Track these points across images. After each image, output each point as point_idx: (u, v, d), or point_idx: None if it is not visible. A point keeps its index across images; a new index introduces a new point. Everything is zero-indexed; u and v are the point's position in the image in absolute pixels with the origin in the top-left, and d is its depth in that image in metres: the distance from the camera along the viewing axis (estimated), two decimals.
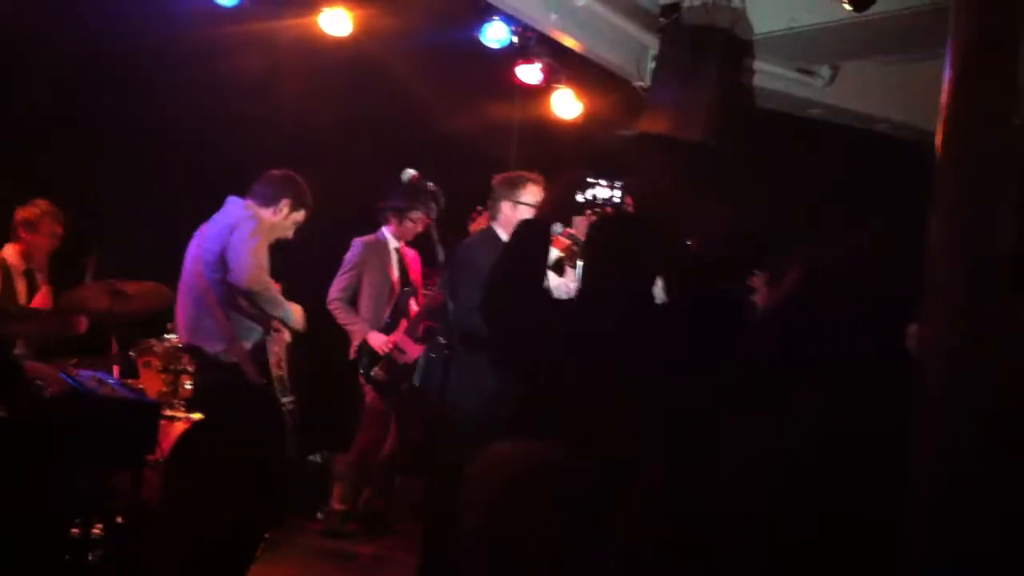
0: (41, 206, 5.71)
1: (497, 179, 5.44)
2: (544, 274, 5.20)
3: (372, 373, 6.39)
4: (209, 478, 4.73)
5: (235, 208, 4.88)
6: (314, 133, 5.23)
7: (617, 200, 6.24)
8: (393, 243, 6.78)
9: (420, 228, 6.71)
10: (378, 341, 6.40)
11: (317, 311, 6.19)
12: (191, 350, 4.99)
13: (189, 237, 5.01)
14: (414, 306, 6.65)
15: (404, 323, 6.48)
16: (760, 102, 6.06)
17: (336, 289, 6.57)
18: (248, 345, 4.75)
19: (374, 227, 6.82)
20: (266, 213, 4.92)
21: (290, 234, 5.07)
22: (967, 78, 2.84)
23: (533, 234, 4.35)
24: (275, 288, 4.75)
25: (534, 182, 5.41)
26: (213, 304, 4.69)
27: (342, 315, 6.55)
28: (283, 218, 4.98)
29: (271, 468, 4.73)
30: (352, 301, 6.62)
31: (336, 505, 7.10)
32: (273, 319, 4.80)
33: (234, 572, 4.71)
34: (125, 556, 4.75)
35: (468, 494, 2.20)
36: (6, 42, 5.89)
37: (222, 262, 4.67)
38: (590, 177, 6.15)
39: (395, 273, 6.74)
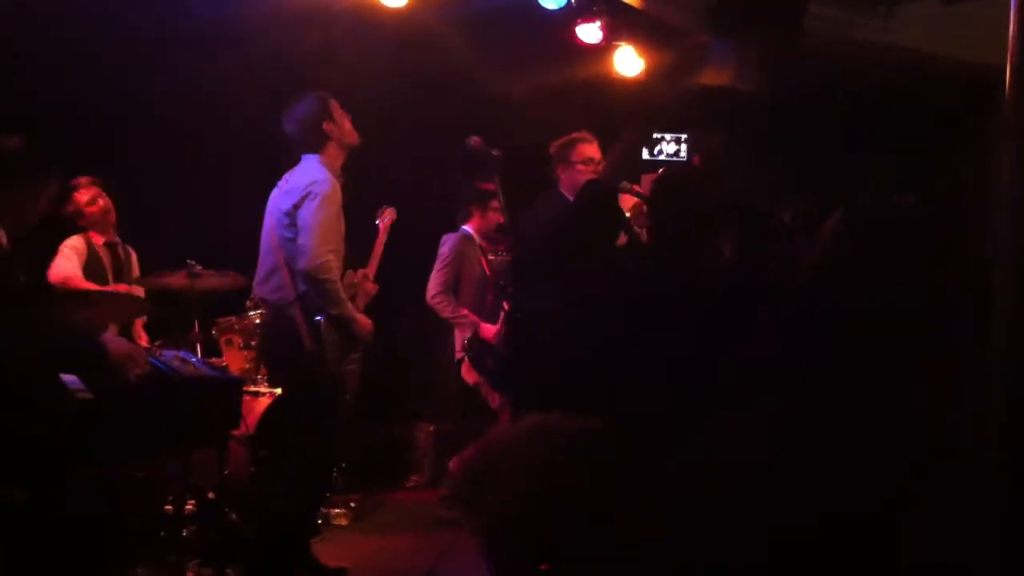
0: (80, 183, 5.84)
1: (552, 145, 5.45)
2: (614, 233, 5.20)
3: (486, 366, 6.26)
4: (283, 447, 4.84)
5: (310, 163, 4.82)
6: (371, 104, 5.22)
7: (684, 156, 6.21)
8: (477, 239, 6.74)
9: (501, 218, 6.67)
10: (490, 332, 6.31)
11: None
12: (261, 301, 5.08)
13: (244, 213, 5.05)
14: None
15: (503, 316, 6.43)
16: (821, 48, 5.94)
17: (436, 283, 6.50)
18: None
19: (450, 223, 6.79)
20: (327, 156, 4.82)
21: (355, 134, 4.92)
22: None
23: (597, 195, 4.34)
24: (339, 282, 4.70)
25: (584, 141, 5.41)
26: (282, 261, 4.74)
27: (448, 309, 6.47)
28: (338, 140, 4.85)
29: (322, 432, 4.77)
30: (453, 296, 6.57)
31: (420, 475, 7.23)
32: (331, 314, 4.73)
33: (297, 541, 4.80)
34: (218, 530, 4.89)
35: (496, 465, 2.20)
36: (60, 25, 6.01)
37: (292, 222, 4.70)
38: (656, 132, 6.13)
39: (487, 267, 6.72)
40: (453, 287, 6.57)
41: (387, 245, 6.26)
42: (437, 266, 6.58)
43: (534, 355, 4.74)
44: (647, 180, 6.18)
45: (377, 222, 6.28)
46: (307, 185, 4.70)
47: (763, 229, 3.58)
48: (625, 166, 5.83)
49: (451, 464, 6.58)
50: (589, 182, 4.96)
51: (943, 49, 5.91)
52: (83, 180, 5.84)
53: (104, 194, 5.91)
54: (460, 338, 6.48)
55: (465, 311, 6.48)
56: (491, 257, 6.73)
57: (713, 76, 5.94)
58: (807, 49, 5.68)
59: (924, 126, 6.01)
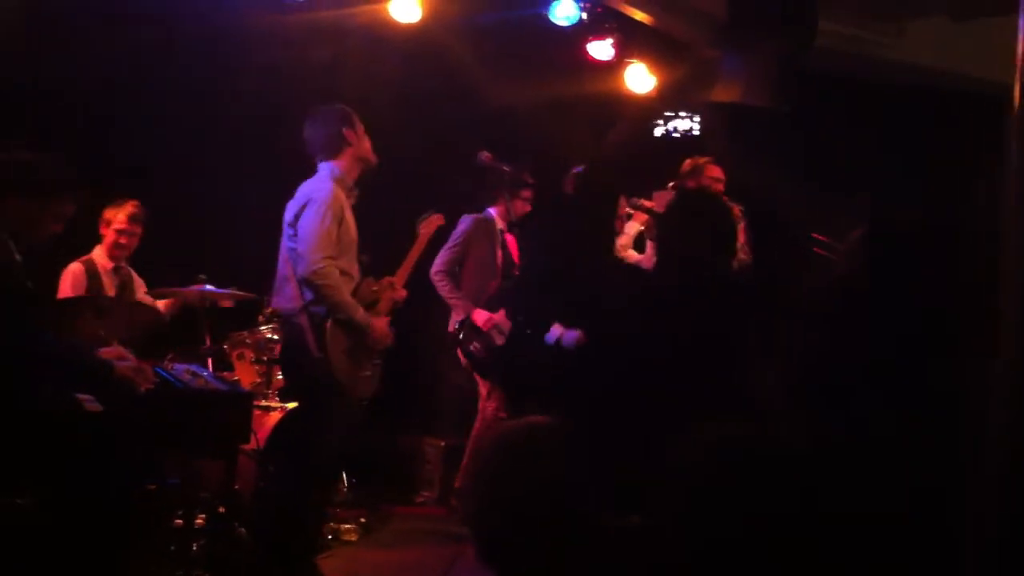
0: (127, 208, 5.87)
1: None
2: (615, 219, 5.20)
3: (471, 348, 6.37)
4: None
5: (320, 173, 4.84)
6: (385, 119, 5.25)
7: (696, 132, 6.17)
8: (499, 223, 6.73)
9: (528, 207, 6.66)
10: (481, 318, 6.38)
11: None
12: (276, 312, 5.10)
13: (257, 226, 5.07)
14: None
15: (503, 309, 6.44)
16: (831, 64, 5.93)
17: (441, 262, 6.54)
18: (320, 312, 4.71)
19: (477, 208, 6.77)
20: (341, 165, 4.84)
21: (372, 153, 4.94)
22: None
23: (597, 176, 4.32)
24: (340, 288, 4.68)
25: None
26: (291, 272, 4.76)
27: (446, 288, 6.53)
28: (356, 150, 4.87)
29: (329, 441, 4.77)
30: (455, 277, 6.61)
31: (430, 490, 7.21)
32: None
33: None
34: (227, 544, 4.88)
35: (476, 468, 2.21)
36: (79, 33, 6.04)
37: (295, 232, 4.72)
38: (666, 109, 6.10)
39: (500, 255, 6.72)
40: (458, 267, 6.60)
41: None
42: (447, 244, 6.59)
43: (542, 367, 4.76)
44: (659, 197, 6.20)
45: (419, 228, 5.93)
46: (307, 194, 4.74)
47: (788, 242, 3.58)
48: (632, 143, 5.80)
49: (457, 479, 6.58)
50: (590, 162, 4.98)
51: (953, 66, 5.90)
52: (132, 206, 5.86)
53: (141, 232, 5.93)
54: (455, 320, 6.52)
55: (460, 293, 6.52)
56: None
57: (723, 92, 5.95)
58: (817, 65, 5.68)
59: (934, 143, 6.00)
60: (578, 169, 5.81)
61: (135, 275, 6.04)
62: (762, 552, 1.89)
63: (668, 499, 1.98)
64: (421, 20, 6.28)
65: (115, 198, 5.88)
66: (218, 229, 6.44)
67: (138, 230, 5.91)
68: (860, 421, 2.40)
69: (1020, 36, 2.77)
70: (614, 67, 6.90)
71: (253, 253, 5.28)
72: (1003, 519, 2.11)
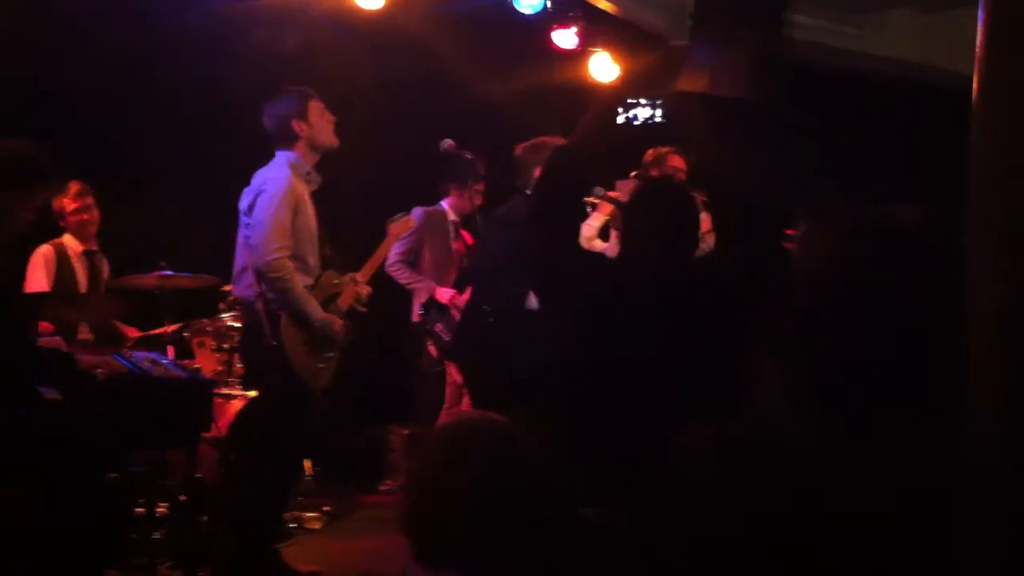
0: (71, 190, 5.79)
1: (520, 148, 5.41)
2: (581, 208, 5.20)
3: (435, 329, 6.36)
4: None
5: (275, 161, 4.80)
6: (350, 107, 5.21)
7: (658, 119, 6.18)
8: (452, 216, 6.77)
9: (479, 200, 6.66)
10: (445, 295, 6.39)
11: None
12: (236, 300, 5.07)
13: (221, 213, 5.05)
14: None
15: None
16: (801, 56, 5.95)
17: (395, 253, 6.52)
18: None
19: (432, 199, 6.81)
20: (298, 153, 4.79)
21: (332, 137, 4.88)
22: (1003, 20, 2.77)
23: (567, 162, 4.33)
24: (293, 280, 4.62)
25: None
26: (248, 261, 4.74)
27: (404, 275, 6.55)
28: (309, 139, 4.83)
29: (288, 431, 4.75)
30: (412, 268, 6.63)
31: (395, 478, 7.20)
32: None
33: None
34: (189, 533, 4.86)
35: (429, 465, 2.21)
36: (52, 29, 5.99)
37: (250, 221, 4.69)
38: (630, 98, 6.11)
39: (455, 247, 6.73)
40: (414, 259, 6.62)
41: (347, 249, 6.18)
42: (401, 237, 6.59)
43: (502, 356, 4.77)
44: (622, 186, 6.20)
45: (388, 227, 5.77)
46: (261, 183, 4.70)
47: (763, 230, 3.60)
48: (599, 130, 5.80)
49: None
50: (560, 149, 4.97)
51: (921, 58, 5.95)
52: (74, 186, 5.77)
53: (94, 205, 5.86)
54: (417, 304, 6.51)
55: (420, 277, 6.55)
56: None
57: (689, 82, 5.96)
58: (786, 56, 5.71)
59: (902, 135, 6.04)
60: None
61: (105, 262, 5.99)
62: (761, 552, 1.89)
63: (667, 499, 1.98)
64: (385, 7, 6.25)
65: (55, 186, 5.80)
66: (182, 215, 6.38)
67: (90, 201, 5.84)
68: (860, 421, 2.40)
69: (979, 28, 2.78)
70: (580, 55, 6.91)
71: (221, 241, 5.23)
72: (1003, 519, 2.12)
